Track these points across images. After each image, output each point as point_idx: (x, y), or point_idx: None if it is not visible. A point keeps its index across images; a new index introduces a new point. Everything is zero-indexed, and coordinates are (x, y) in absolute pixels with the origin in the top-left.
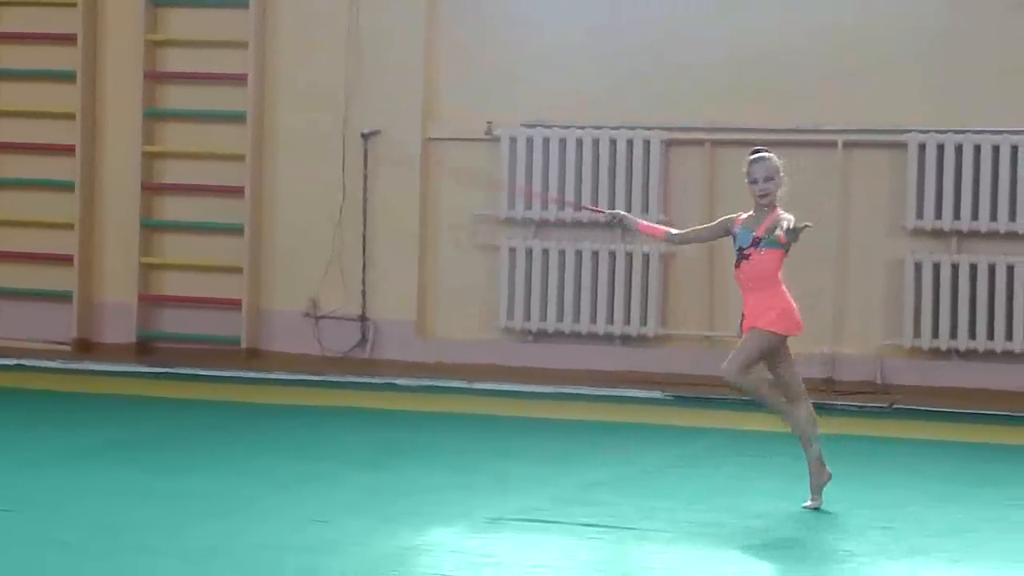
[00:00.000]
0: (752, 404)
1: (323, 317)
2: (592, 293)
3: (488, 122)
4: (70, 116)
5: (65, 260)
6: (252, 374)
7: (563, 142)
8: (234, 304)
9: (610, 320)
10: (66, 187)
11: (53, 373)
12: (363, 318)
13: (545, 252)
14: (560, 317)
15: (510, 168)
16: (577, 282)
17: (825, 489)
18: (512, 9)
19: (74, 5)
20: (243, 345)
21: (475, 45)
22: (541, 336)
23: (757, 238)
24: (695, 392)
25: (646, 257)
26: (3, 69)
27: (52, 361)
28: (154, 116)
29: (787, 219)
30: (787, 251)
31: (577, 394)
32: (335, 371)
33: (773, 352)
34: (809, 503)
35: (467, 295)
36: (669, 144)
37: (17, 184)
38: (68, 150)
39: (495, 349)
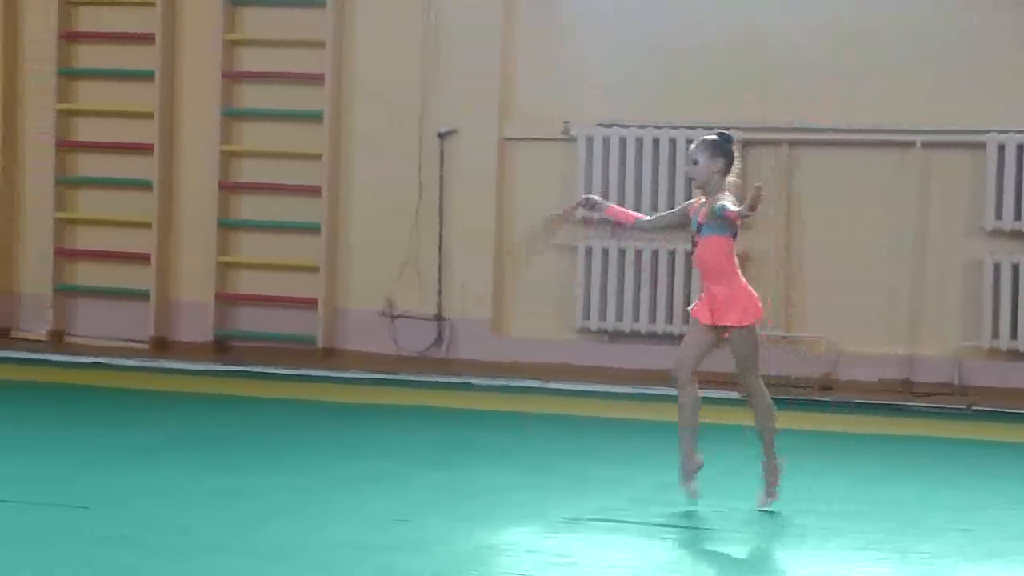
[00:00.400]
0: (830, 405)
1: (399, 316)
2: (668, 293)
3: (565, 122)
4: (148, 115)
5: (143, 259)
6: (327, 373)
7: (639, 142)
8: (310, 303)
9: (686, 320)
10: (144, 186)
11: (130, 371)
12: (439, 317)
13: (622, 252)
14: (636, 317)
15: (586, 168)
16: (653, 282)
17: (778, 484)
18: (588, 7)
19: (152, 5)
20: (319, 344)
21: (551, 44)
22: (617, 336)
23: (699, 224)
24: (771, 393)
25: None
26: (82, 68)
27: (129, 359)
28: (232, 115)
29: (722, 203)
30: (734, 236)
31: (653, 394)
32: (410, 370)
33: (715, 340)
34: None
35: (543, 294)
36: (746, 144)
37: (96, 183)
38: (146, 149)
39: (571, 349)
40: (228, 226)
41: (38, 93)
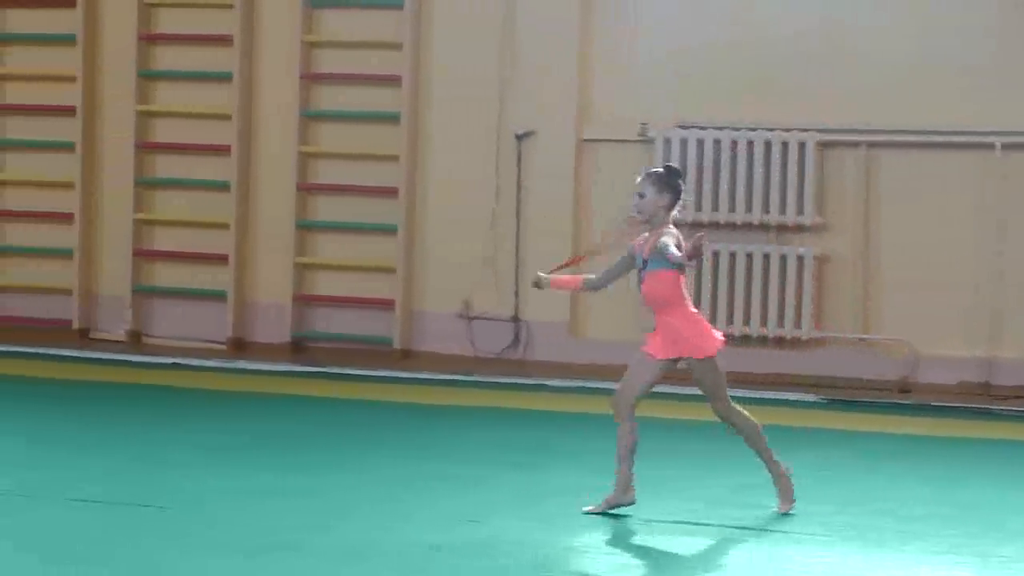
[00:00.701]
0: (908, 407)
1: (476, 318)
2: (745, 295)
3: (642, 123)
4: (227, 117)
5: (221, 260)
6: (404, 374)
7: (717, 143)
8: (387, 304)
9: (763, 322)
10: (222, 187)
11: (208, 372)
12: (516, 319)
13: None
14: (713, 319)
15: None
16: (730, 284)
17: (792, 491)
18: (666, 8)
19: (230, 7)
20: (396, 345)
21: (629, 45)
22: None
23: (644, 259)
24: (849, 395)
25: (800, 259)
26: (161, 71)
27: (207, 360)
28: (310, 117)
29: (665, 242)
30: (683, 271)
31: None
32: (486, 371)
33: (668, 366)
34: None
35: (620, 296)
36: (825, 146)
37: (175, 184)
38: (224, 150)
39: None
40: (306, 227)
41: (118, 95)
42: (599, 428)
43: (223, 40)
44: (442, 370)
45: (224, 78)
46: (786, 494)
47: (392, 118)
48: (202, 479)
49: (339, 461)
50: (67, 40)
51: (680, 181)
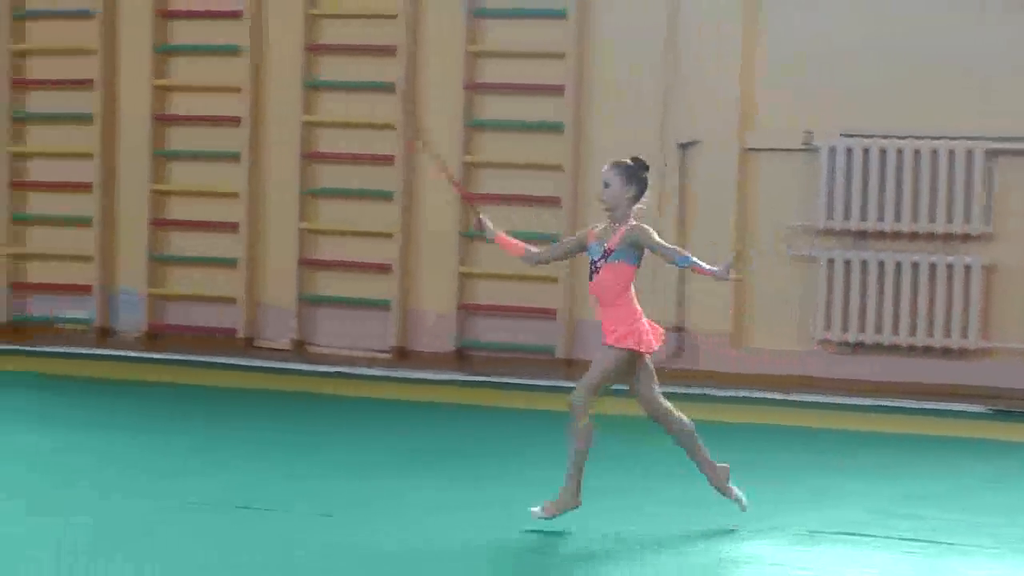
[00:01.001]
0: None
1: None
2: (911, 304)
3: (807, 132)
4: (391, 127)
5: (385, 269)
6: (567, 383)
7: (883, 152)
8: (550, 314)
9: (930, 332)
10: (387, 197)
11: (371, 381)
12: (679, 328)
13: (864, 263)
14: (879, 329)
15: (828, 179)
16: (896, 293)
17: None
18: (830, 16)
19: (394, 17)
20: (558, 355)
21: (793, 53)
22: (859, 348)
23: (609, 250)
24: (1018, 406)
25: (967, 268)
26: (329, 81)
27: (370, 369)
28: (474, 126)
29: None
30: (639, 264)
31: (895, 407)
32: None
33: (628, 370)
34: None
35: (783, 306)
36: (992, 154)
37: (341, 194)
38: (389, 160)
39: (811, 360)
40: (469, 237)
41: (286, 106)
42: (763, 439)
43: (387, 51)
44: None
45: (388, 89)
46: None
47: (555, 128)
48: (365, 487)
49: (502, 471)
50: (231, 51)
51: (647, 175)
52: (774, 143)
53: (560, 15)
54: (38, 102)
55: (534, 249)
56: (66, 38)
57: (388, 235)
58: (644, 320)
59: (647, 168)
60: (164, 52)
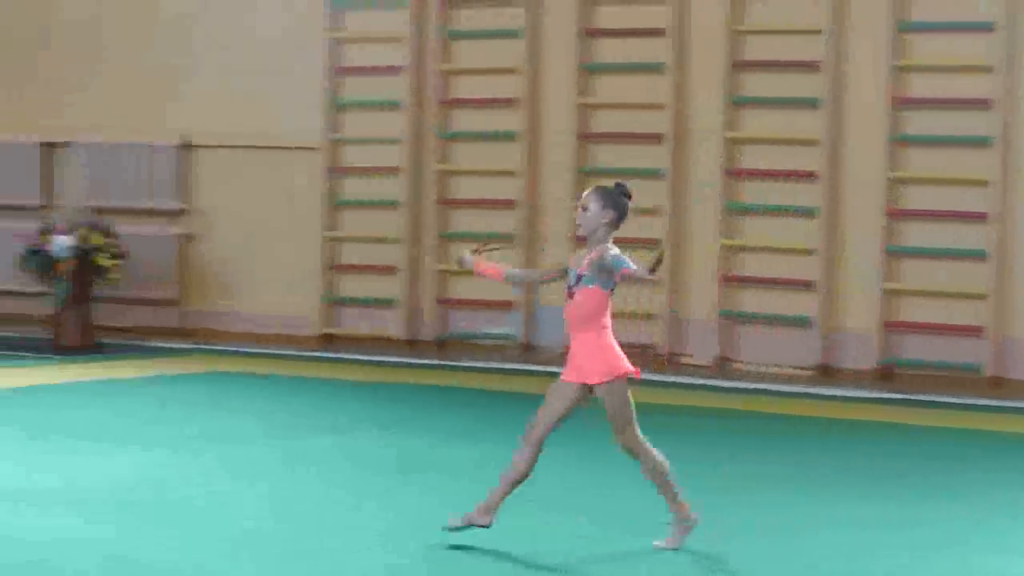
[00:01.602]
0: None
1: None
2: None
3: None
4: (814, 143)
5: (806, 286)
6: (995, 402)
7: None
8: (976, 331)
9: None
10: (809, 214)
11: (793, 398)
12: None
13: None
14: None
15: None
16: None
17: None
18: None
19: (818, 32)
20: (985, 373)
21: None
22: None
23: (579, 275)
24: None
25: None
26: (753, 97)
27: (793, 386)
28: (898, 141)
29: (617, 255)
30: (613, 291)
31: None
32: None
33: (582, 396)
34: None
35: None
36: None
37: (762, 210)
38: (810, 176)
39: None
40: (894, 253)
41: (708, 122)
42: None
43: (811, 66)
44: None
45: (810, 104)
46: (678, 532)
47: (982, 142)
48: (789, 507)
49: (925, 491)
50: (655, 69)
51: (627, 200)
52: None
53: (987, 28)
54: (464, 121)
55: (515, 271)
56: (491, 58)
57: (810, 252)
58: (616, 348)
59: (628, 195)
60: (586, 70)
